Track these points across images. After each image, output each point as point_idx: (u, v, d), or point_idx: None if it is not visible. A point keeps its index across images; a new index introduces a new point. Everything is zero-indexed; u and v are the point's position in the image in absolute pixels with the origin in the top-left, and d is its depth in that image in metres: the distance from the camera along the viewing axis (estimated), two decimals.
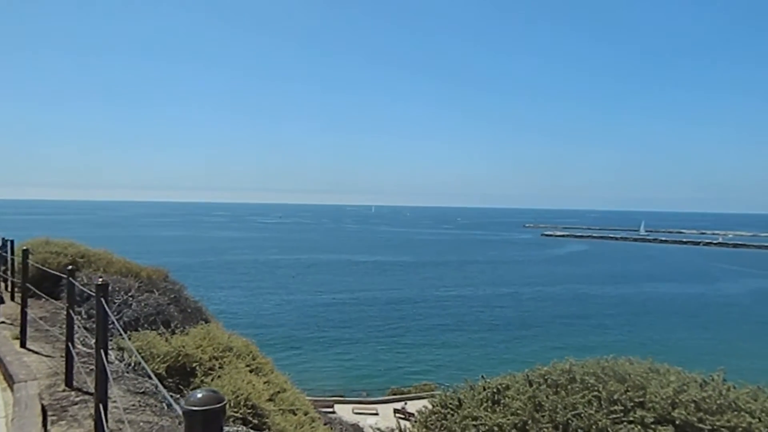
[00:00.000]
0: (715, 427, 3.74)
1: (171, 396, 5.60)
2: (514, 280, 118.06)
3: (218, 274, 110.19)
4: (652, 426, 3.82)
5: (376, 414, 35.53)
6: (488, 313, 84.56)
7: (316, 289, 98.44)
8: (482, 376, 5.08)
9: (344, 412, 34.40)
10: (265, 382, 9.66)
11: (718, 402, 3.90)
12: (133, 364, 7.52)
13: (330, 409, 32.54)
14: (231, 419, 7.19)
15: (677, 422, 3.81)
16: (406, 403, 38.07)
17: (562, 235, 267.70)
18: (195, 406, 1.66)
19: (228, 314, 60.84)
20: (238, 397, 7.91)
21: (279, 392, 9.87)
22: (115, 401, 5.39)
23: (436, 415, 4.92)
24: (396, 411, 36.56)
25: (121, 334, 7.41)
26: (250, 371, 9.70)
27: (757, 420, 3.68)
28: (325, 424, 11.91)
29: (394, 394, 42.83)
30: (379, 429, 10.78)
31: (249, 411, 7.94)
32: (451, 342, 67.47)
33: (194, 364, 8.78)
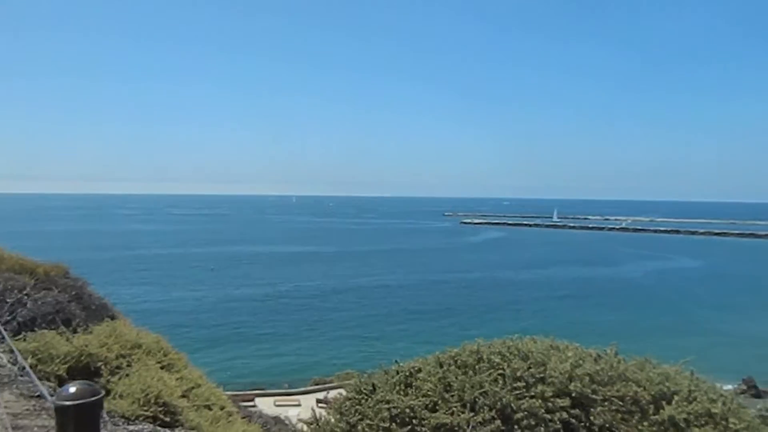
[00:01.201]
0: (606, 397, 4.01)
1: None
2: (435, 267, 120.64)
3: (130, 269, 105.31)
4: (551, 399, 4.03)
5: (299, 405, 35.38)
6: (411, 301, 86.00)
7: (236, 282, 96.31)
8: (396, 361, 5.15)
9: (265, 405, 33.99)
10: (177, 379, 9.34)
11: (610, 374, 4.18)
12: (27, 367, 7.05)
13: (250, 403, 32.05)
14: (140, 418, 6.92)
15: (573, 394, 4.05)
16: (328, 393, 38.13)
17: (480, 223, 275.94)
18: (67, 400, 1.53)
19: (140, 311, 58.26)
20: (147, 395, 7.61)
21: (193, 388, 9.58)
22: (7, 407, 5.05)
23: (351, 401, 4.96)
24: (318, 401, 36.52)
25: (13, 336, 6.93)
26: (162, 368, 9.35)
27: (642, 388, 3.98)
28: (243, 418, 11.71)
29: (317, 384, 42.78)
30: (301, 420, 10.76)
31: (160, 409, 7.67)
32: (373, 330, 68.15)
33: (99, 364, 8.36)
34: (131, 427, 5.16)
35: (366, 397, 4.82)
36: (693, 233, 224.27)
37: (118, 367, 8.65)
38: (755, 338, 67.41)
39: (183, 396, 8.81)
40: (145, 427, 5.99)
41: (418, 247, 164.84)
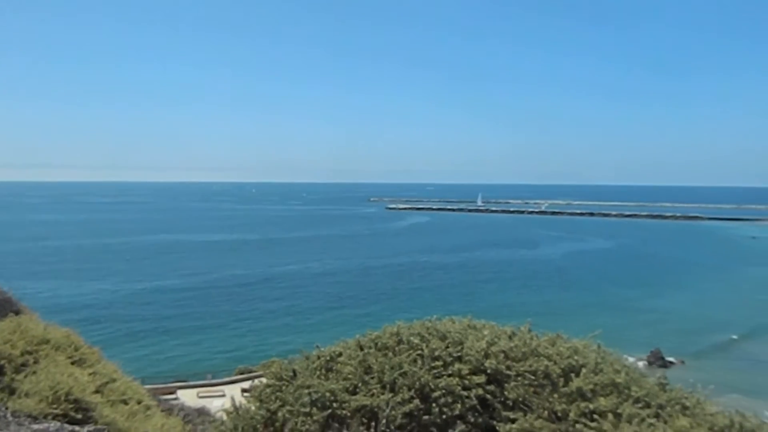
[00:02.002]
0: (519, 372, 4.18)
1: None
2: (362, 253, 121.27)
3: (38, 262, 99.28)
4: (468, 377, 4.16)
5: (223, 396, 34.70)
6: (337, 287, 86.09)
7: (155, 273, 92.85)
8: (317, 346, 5.13)
9: (188, 397, 33.12)
10: (90, 374, 8.91)
11: (523, 350, 4.36)
12: None
13: (172, 396, 31.13)
14: (48, 416, 6.55)
15: (489, 371, 4.20)
16: (253, 381, 37.64)
17: (405, 208, 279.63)
18: None
19: (51, 306, 55.13)
20: (57, 392, 7.22)
21: (108, 383, 9.16)
22: None
23: (271, 388, 4.89)
24: (244, 390, 35.98)
25: None
26: (73, 363, 8.88)
27: (553, 363, 4.17)
28: (163, 411, 11.34)
29: (242, 374, 42.12)
30: (222, 410, 10.49)
31: (71, 406, 7.30)
32: (300, 318, 67.80)
33: (2, 362, 7.85)
34: (36, 426, 4.88)
35: (287, 383, 4.78)
36: (606, 215, 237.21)
37: (23, 365, 8.13)
38: (662, 313, 72.48)
39: (96, 392, 8.41)
40: (51, 425, 5.68)
41: (345, 233, 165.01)
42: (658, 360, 52.77)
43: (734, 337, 62.81)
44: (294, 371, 4.90)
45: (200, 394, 37.07)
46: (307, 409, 4.23)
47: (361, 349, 4.70)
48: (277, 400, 4.55)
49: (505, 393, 4.13)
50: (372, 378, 4.31)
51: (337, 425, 4.12)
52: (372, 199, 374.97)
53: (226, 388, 37.82)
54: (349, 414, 4.18)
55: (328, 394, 4.25)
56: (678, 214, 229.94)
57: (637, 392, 4.04)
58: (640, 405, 3.93)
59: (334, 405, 4.21)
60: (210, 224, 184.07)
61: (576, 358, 4.34)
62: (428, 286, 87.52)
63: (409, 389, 4.09)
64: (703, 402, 4.32)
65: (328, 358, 4.79)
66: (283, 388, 4.74)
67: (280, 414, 4.40)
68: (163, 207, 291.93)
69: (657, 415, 3.89)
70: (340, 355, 4.78)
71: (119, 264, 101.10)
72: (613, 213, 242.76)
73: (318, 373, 4.67)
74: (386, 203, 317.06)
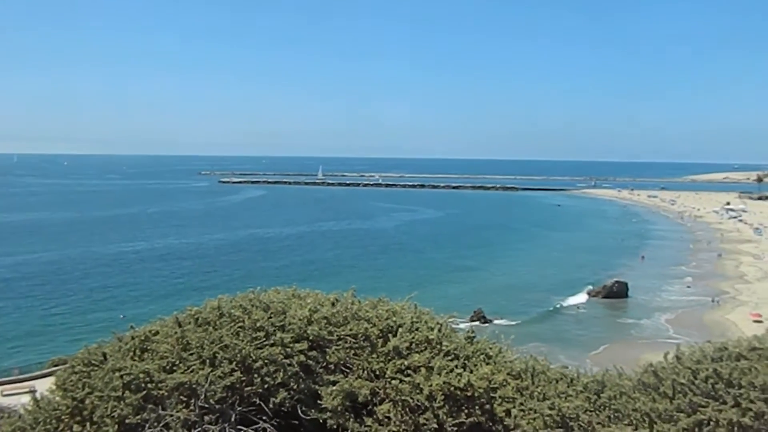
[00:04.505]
0: (340, 336, 4.32)
1: None
2: (195, 230, 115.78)
3: None
4: (290, 345, 4.18)
5: (34, 391, 31.35)
6: (170, 267, 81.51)
7: None
8: (131, 326, 4.80)
9: None
10: None
11: (344, 315, 4.51)
12: None
13: None
14: None
15: (311, 338, 4.26)
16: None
17: (239, 182, 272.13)
18: None
19: None
20: None
21: None
22: None
23: (78, 375, 4.49)
24: None
25: None
26: None
27: (372, 325, 4.37)
28: None
29: (56, 366, 38.26)
30: (24, 405, 9.48)
31: None
32: (121, 301, 63.24)
33: None
34: None
35: (96, 368, 4.42)
36: (435, 187, 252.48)
37: None
38: (484, 277, 79.46)
39: None
40: None
41: (175, 208, 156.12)
42: (480, 319, 57.89)
43: (542, 294, 71.01)
44: (104, 354, 4.54)
45: (5, 393, 33.11)
46: (119, 393, 3.96)
47: (180, 325, 4.48)
48: (85, 387, 4.19)
49: (327, 357, 4.24)
50: (191, 354, 4.15)
51: (152, 406, 3.91)
52: (203, 172, 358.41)
53: (38, 383, 34.18)
54: (166, 393, 3.99)
55: (142, 375, 4.02)
56: (498, 186, 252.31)
57: (448, 346, 4.38)
58: (450, 358, 4.27)
59: (150, 386, 3.99)
60: (9, 203, 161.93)
61: (394, 319, 4.58)
62: (266, 260, 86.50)
63: (230, 362, 4.02)
64: (504, 351, 4.82)
65: (142, 337, 4.51)
66: (92, 373, 4.38)
67: (88, 401, 4.06)
68: None
69: (464, 366, 4.26)
70: (157, 333, 4.53)
71: None
72: (442, 185, 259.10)
73: (131, 354, 4.39)
74: (219, 176, 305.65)
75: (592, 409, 4.03)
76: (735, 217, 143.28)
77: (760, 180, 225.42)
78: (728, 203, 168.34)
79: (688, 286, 75.05)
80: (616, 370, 4.41)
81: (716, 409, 3.51)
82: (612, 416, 3.95)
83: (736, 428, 3.46)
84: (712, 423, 3.50)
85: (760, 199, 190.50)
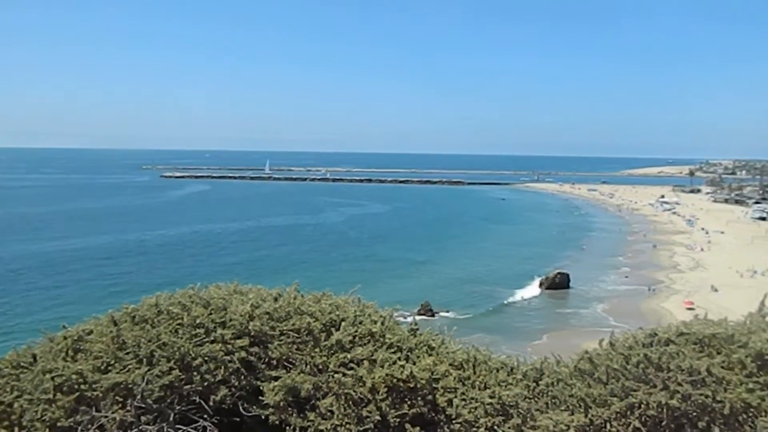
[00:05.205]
0: (283, 331, 4.28)
1: None
2: (136, 226, 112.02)
3: None
4: (231, 341, 4.11)
5: None
6: (109, 266, 78.62)
7: None
8: (63, 326, 4.61)
9: None
10: None
11: (287, 310, 4.46)
12: None
13: None
14: None
15: (252, 333, 4.21)
16: None
17: (182, 176, 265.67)
18: None
19: None
20: None
21: None
22: None
23: (6, 378, 4.28)
24: None
25: None
26: None
27: (315, 319, 4.35)
28: None
29: None
30: None
31: None
32: (55, 301, 60.67)
33: None
34: None
35: (25, 370, 4.22)
36: (383, 182, 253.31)
37: None
38: (432, 270, 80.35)
39: None
40: None
41: (115, 204, 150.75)
42: (427, 312, 58.59)
43: (489, 286, 72.48)
44: (34, 356, 4.35)
45: None
46: (50, 396, 3.80)
47: (116, 324, 4.33)
48: (14, 390, 4.00)
49: (269, 353, 4.19)
50: (127, 353, 4.02)
51: (86, 408, 3.77)
52: (144, 166, 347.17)
53: None
54: (100, 394, 3.86)
55: (75, 377, 3.86)
56: (444, 180, 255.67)
57: (391, 339, 4.40)
58: (393, 350, 4.29)
59: (83, 387, 3.85)
60: None
61: (337, 313, 4.57)
62: (212, 257, 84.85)
63: (168, 360, 3.91)
64: (447, 342, 4.89)
65: (75, 337, 4.33)
66: (21, 376, 4.19)
67: (16, 405, 3.88)
68: None
69: (407, 358, 4.30)
70: (91, 332, 4.36)
71: None
72: (389, 179, 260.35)
73: (63, 355, 4.21)
74: (161, 171, 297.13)
75: (530, 397, 4.14)
76: (669, 210, 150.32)
77: (692, 174, 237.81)
78: (663, 196, 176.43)
79: (626, 276, 78.27)
80: (554, 358, 4.54)
81: (647, 393, 3.66)
82: (550, 402, 4.07)
83: (664, 410, 3.61)
84: (642, 406, 3.65)
85: (692, 192, 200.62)
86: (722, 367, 3.65)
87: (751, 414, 3.47)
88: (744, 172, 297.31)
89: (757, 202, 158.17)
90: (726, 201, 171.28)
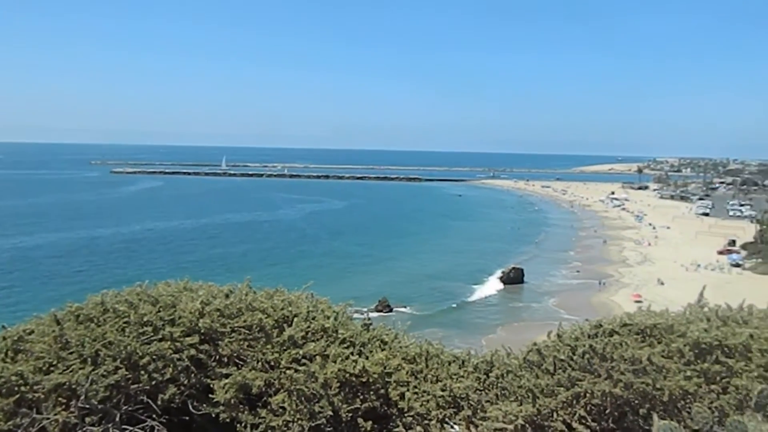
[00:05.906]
0: (234, 328, 4.22)
1: None
2: (86, 223, 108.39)
3: None
4: (180, 339, 4.03)
5: None
6: (55, 264, 75.89)
7: None
8: (3, 326, 4.43)
9: None
10: None
11: (239, 306, 4.40)
12: None
13: None
14: None
15: (202, 331, 4.13)
16: None
17: (134, 172, 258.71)
18: None
19: None
20: None
21: None
22: None
23: None
24: None
25: None
26: None
27: (267, 315, 4.31)
28: None
29: None
30: None
31: None
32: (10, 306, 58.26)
33: None
34: None
35: None
36: (340, 178, 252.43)
37: None
38: (390, 266, 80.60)
39: None
40: None
41: (64, 200, 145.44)
42: (385, 308, 58.79)
43: (446, 282, 73.21)
44: None
45: None
46: None
47: (58, 323, 4.18)
48: None
49: (219, 350, 4.13)
50: (70, 353, 3.89)
51: (26, 410, 3.64)
52: (94, 161, 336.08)
53: None
54: (42, 396, 3.73)
55: (14, 378, 3.72)
56: (401, 176, 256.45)
57: (344, 334, 4.40)
58: (345, 345, 4.29)
59: (23, 389, 3.71)
60: None
61: (290, 309, 4.53)
62: (166, 255, 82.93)
63: (114, 359, 3.80)
64: (401, 337, 4.92)
65: (15, 338, 4.16)
66: None
67: None
68: None
69: (360, 353, 4.31)
70: (32, 332, 4.20)
71: None
72: (347, 176, 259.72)
73: (3, 356, 4.05)
74: (111, 166, 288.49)
75: (481, 388, 4.22)
76: (618, 206, 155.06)
77: (640, 171, 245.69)
78: (613, 193, 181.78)
79: (578, 271, 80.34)
80: (504, 350, 4.63)
81: (591, 382, 3.77)
82: (499, 394, 4.15)
83: (608, 398, 3.74)
84: (588, 395, 3.76)
85: (640, 188, 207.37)
86: (662, 356, 3.80)
87: (688, 400, 3.62)
88: (689, 169, 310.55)
89: (700, 199, 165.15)
90: (672, 197, 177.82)
